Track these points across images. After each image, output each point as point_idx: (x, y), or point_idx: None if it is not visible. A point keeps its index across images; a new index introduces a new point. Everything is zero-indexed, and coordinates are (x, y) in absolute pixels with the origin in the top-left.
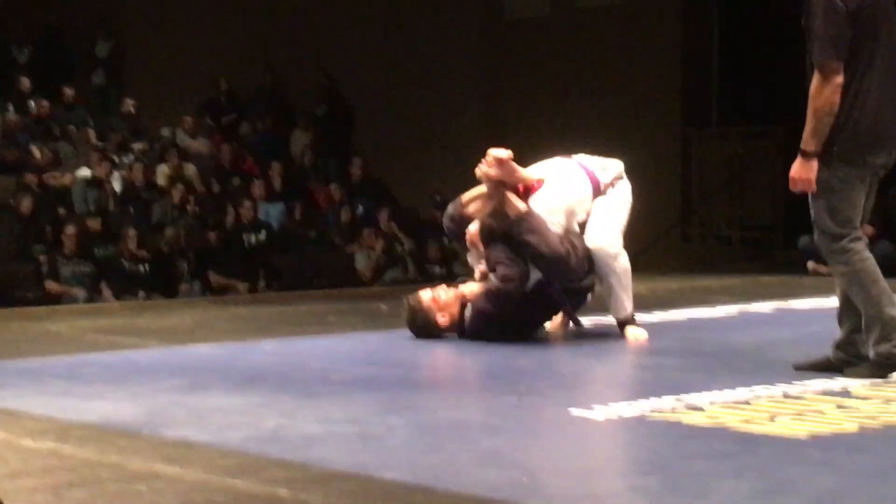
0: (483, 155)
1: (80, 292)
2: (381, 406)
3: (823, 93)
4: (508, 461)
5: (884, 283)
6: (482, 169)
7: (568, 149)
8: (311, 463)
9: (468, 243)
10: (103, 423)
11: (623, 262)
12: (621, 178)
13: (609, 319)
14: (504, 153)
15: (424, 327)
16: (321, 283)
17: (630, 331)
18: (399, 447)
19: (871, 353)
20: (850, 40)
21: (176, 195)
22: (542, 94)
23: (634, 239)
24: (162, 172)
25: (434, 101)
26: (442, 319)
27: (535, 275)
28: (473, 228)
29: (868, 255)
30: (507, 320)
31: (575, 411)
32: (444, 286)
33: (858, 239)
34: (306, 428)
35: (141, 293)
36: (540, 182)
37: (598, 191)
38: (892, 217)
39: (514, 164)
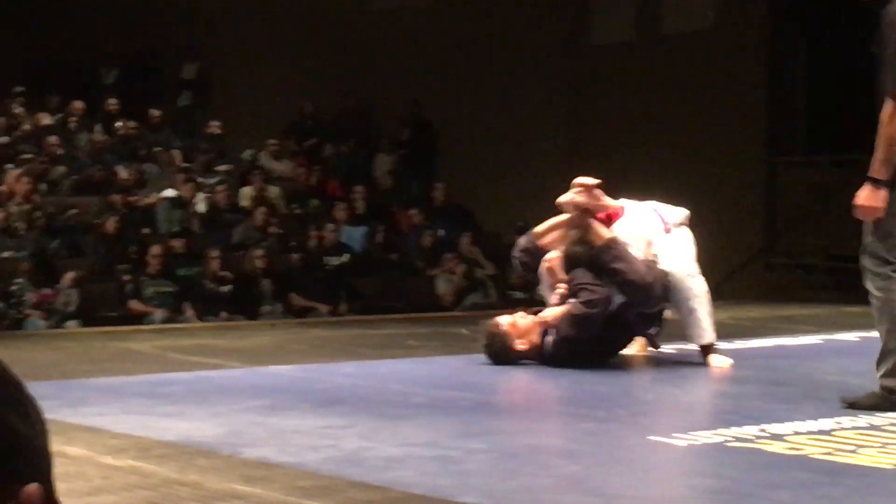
0: (565, 180)
1: (162, 312)
2: (460, 430)
3: (895, 121)
4: (587, 487)
5: None
6: (567, 197)
7: (652, 175)
8: (389, 485)
9: (545, 272)
10: (183, 441)
11: (702, 285)
12: (685, 224)
13: (689, 346)
14: (591, 181)
15: (502, 353)
16: (402, 306)
17: (714, 358)
18: (477, 471)
19: (878, 384)
20: None
21: (259, 217)
22: (626, 120)
23: (717, 266)
24: (245, 194)
25: (517, 126)
26: (521, 346)
27: (617, 299)
28: (553, 256)
29: None
30: (590, 346)
31: (654, 438)
32: (522, 312)
33: None
34: (385, 450)
35: (223, 314)
36: (621, 210)
37: (666, 231)
38: None
39: (600, 191)
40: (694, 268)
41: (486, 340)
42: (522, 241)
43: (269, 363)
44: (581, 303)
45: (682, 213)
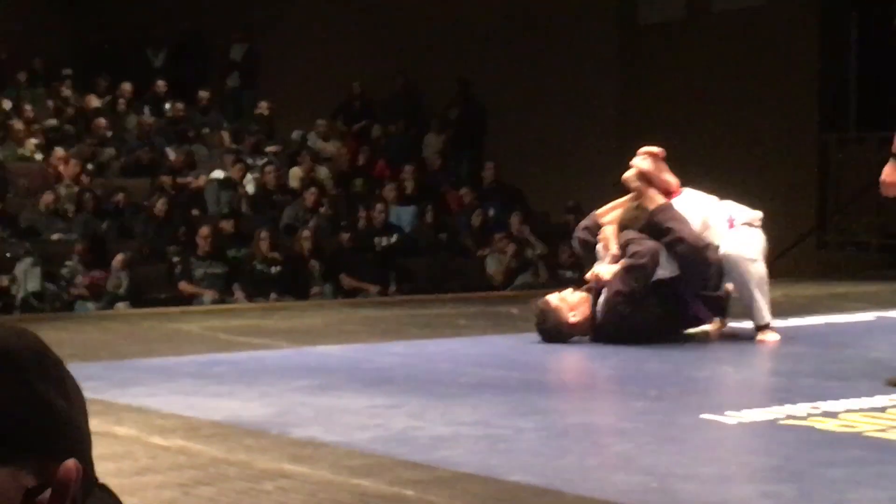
0: (615, 160)
1: (212, 293)
2: (509, 409)
3: None
4: (638, 466)
5: None
6: (631, 171)
7: (704, 154)
8: (438, 464)
9: (601, 245)
10: (232, 421)
11: (760, 268)
12: (756, 225)
13: (742, 325)
14: (657, 149)
15: (555, 328)
16: (452, 286)
17: (762, 335)
18: (527, 450)
19: None
20: None
21: (309, 198)
22: (676, 98)
23: (770, 245)
24: (295, 175)
25: (567, 106)
26: (573, 317)
27: (667, 268)
28: (608, 228)
29: None
30: (643, 314)
31: (706, 416)
32: (570, 289)
33: None
34: (434, 430)
35: (273, 295)
36: (679, 189)
37: (730, 226)
38: None
39: (664, 164)
40: (754, 249)
41: (539, 318)
42: (585, 220)
43: (317, 343)
44: (629, 256)
45: (754, 214)
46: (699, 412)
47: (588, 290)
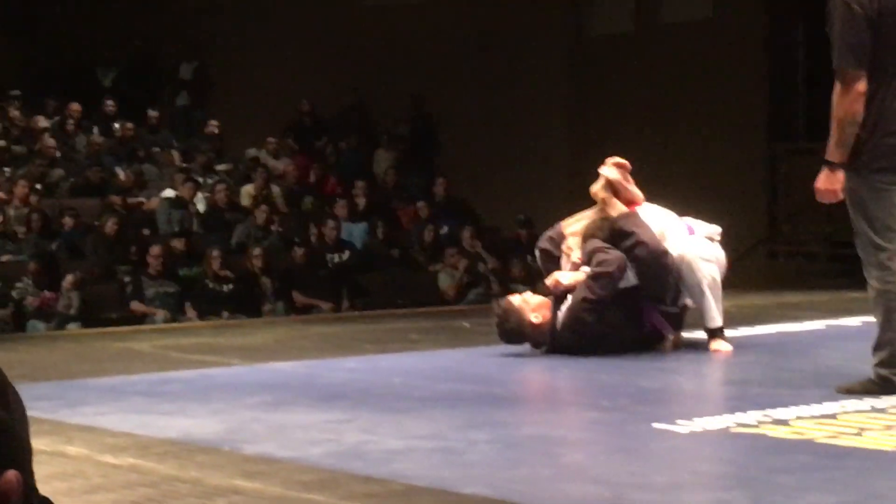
0: (567, 173)
1: (164, 313)
2: (462, 422)
3: (844, 102)
4: (590, 476)
5: None
6: (599, 182)
7: (655, 165)
8: (391, 478)
9: (564, 254)
10: (184, 439)
11: (714, 270)
12: (715, 240)
13: (693, 335)
14: (623, 161)
15: (517, 328)
16: (404, 302)
17: (717, 343)
18: (480, 462)
19: (872, 370)
20: (874, 48)
21: (260, 216)
22: (627, 110)
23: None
24: (246, 193)
25: (518, 120)
26: (535, 319)
27: (629, 277)
28: (572, 239)
29: None
30: (603, 324)
31: (658, 426)
32: (529, 292)
33: None
34: (387, 443)
35: (225, 313)
36: (640, 202)
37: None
38: None
39: (629, 177)
40: (709, 252)
41: (501, 317)
42: (549, 231)
43: (270, 360)
44: (596, 265)
45: (713, 228)
46: (651, 421)
47: (547, 296)
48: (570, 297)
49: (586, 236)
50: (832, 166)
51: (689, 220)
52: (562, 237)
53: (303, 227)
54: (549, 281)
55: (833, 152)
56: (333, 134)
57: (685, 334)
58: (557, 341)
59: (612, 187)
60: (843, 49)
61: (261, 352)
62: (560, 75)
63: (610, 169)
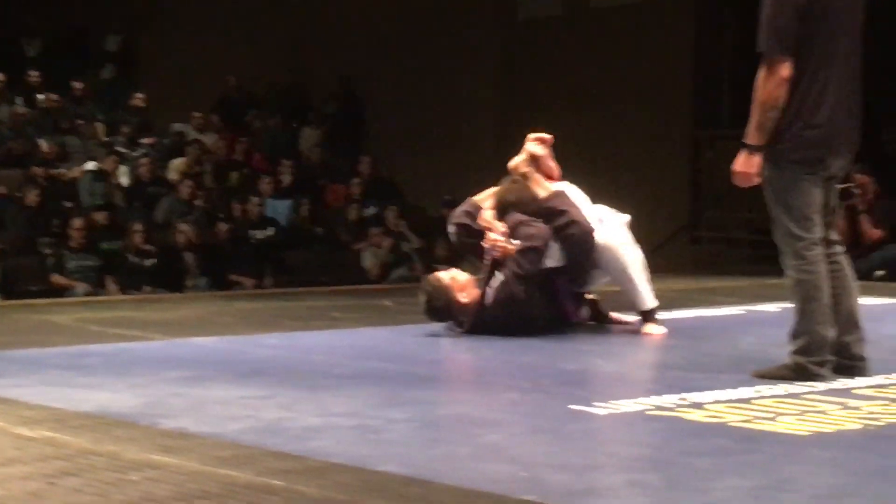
0: (494, 155)
1: (85, 286)
2: (381, 400)
3: (767, 86)
4: (508, 456)
5: (825, 299)
6: (519, 158)
7: (581, 148)
8: (308, 455)
9: (481, 223)
10: (101, 412)
11: (637, 253)
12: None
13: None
14: (546, 135)
15: (446, 306)
16: (328, 280)
17: (649, 327)
18: (398, 441)
19: (788, 356)
20: (803, 35)
21: (185, 190)
22: (554, 93)
23: (643, 240)
24: (173, 167)
25: (446, 101)
26: (464, 299)
27: (551, 255)
28: (487, 212)
29: (819, 267)
30: (527, 303)
31: (576, 407)
32: (456, 270)
33: (815, 245)
34: (305, 420)
35: (146, 288)
36: (558, 178)
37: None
38: None
39: (550, 152)
40: (629, 239)
41: (428, 296)
42: (462, 206)
43: (191, 335)
44: (524, 238)
45: (623, 217)
46: (569, 403)
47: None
48: (497, 274)
49: (502, 206)
50: (750, 149)
51: (601, 207)
52: (477, 209)
53: (227, 203)
54: (487, 242)
55: (752, 135)
56: (262, 110)
57: (617, 315)
58: (486, 318)
59: (535, 162)
60: (770, 33)
61: (181, 327)
62: (489, 58)
63: (534, 144)
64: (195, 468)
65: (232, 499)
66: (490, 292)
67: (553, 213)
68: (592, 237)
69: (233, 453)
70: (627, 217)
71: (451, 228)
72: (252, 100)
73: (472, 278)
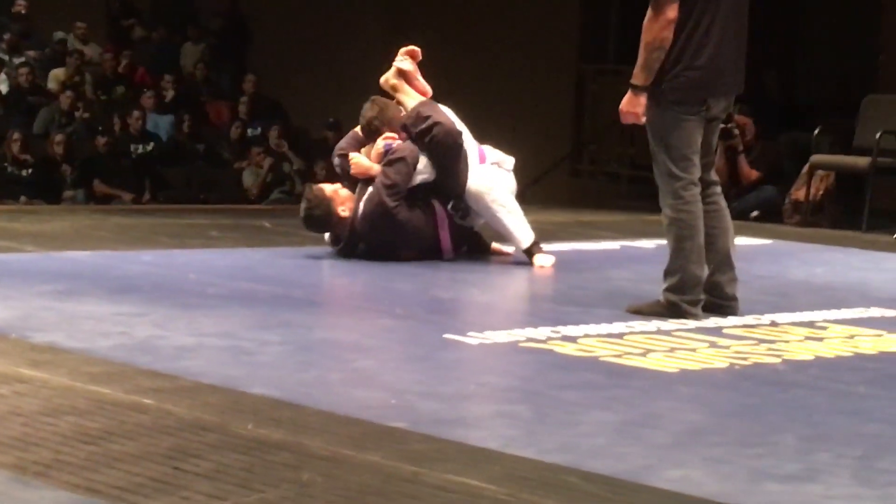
0: (379, 77)
1: None
2: (255, 322)
3: (653, 27)
4: (379, 382)
5: (700, 239)
6: (390, 72)
7: (466, 77)
8: (179, 374)
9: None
10: None
11: (505, 192)
12: (508, 168)
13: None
14: (415, 48)
15: (325, 216)
16: (207, 197)
17: (538, 258)
18: (270, 363)
19: (661, 294)
20: None
21: (65, 101)
22: (441, 22)
23: (524, 172)
24: (53, 77)
25: (332, 21)
26: (343, 212)
27: (422, 171)
28: (355, 155)
29: (695, 207)
30: (401, 218)
31: (449, 336)
32: (340, 184)
33: (693, 185)
34: (178, 340)
35: (22, 198)
36: (428, 95)
37: (482, 160)
38: (779, 162)
39: (417, 67)
40: (500, 184)
41: (308, 203)
42: (346, 138)
43: (65, 249)
44: (387, 153)
45: (507, 158)
46: (443, 332)
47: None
48: (370, 188)
49: (371, 128)
50: (636, 89)
51: (486, 147)
52: (360, 140)
53: (108, 116)
54: (353, 169)
55: (638, 75)
56: (147, 23)
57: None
58: (358, 232)
59: (405, 77)
60: None
61: (57, 240)
62: None
63: (403, 60)
64: (65, 383)
65: (101, 415)
66: (361, 206)
67: (419, 119)
68: (459, 138)
69: (103, 370)
70: (512, 159)
71: (335, 160)
72: (135, 12)
73: (353, 195)
